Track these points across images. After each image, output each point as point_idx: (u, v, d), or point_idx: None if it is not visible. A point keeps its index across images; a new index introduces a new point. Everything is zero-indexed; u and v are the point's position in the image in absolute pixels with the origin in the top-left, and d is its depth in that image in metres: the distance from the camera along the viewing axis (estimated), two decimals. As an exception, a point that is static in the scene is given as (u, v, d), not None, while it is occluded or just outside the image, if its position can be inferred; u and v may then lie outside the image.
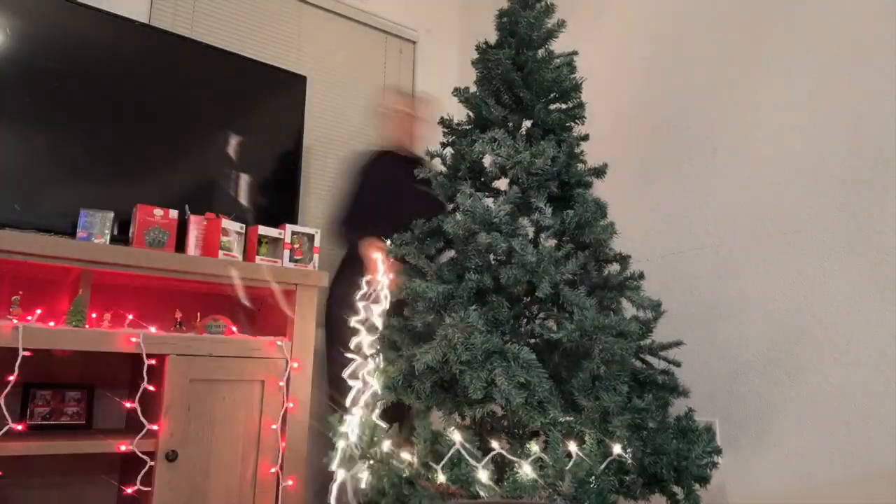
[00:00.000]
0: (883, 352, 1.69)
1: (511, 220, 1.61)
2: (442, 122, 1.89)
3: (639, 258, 1.89)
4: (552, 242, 1.75)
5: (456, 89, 1.86)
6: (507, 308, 1.58)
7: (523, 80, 1.82)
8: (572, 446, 1.40)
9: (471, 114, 1.87)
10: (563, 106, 1.87)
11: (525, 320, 1.69)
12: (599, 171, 1.80)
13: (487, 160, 1.80)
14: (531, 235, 1.70)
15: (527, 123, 1.87)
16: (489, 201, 1.69)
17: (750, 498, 1.86)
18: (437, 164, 1.88)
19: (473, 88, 1.91)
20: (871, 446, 1.67)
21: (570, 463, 1.38)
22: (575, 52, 1.88)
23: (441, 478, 1.40)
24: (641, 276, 1.75)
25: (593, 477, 1.36)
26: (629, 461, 1.43)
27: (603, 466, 1.38)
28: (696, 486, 1.53)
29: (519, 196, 1.66)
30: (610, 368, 1.48)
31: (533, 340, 1.62)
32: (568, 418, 1.46)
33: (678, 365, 1.73)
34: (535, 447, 1.41)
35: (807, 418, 1.81)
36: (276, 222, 2.16)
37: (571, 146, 1.81)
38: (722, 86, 2.18)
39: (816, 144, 1.90)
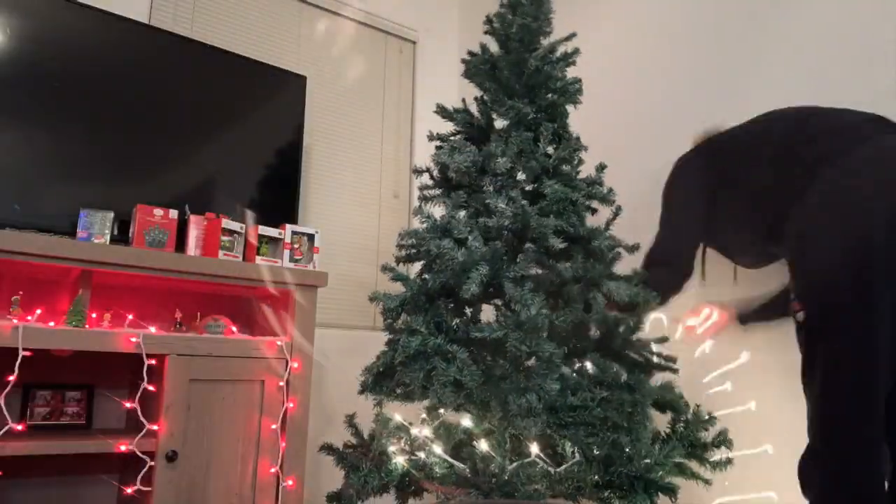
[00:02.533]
0: (883, 352, 1.68)
1: (474, 224, 1.68)
2: (430, 136, 1.95)
3: (638, 258, 1.89)
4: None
5: (438, 106, 1.91)
6: (448, 310, 1.66)
7: (508, 83, 1.85)
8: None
9: (455, 126, 1.93)
10: (552, 98, 1.88)
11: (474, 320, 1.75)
12: (567, 160, 1.80)
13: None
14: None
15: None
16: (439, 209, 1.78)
17: (749, 498, 1.86)
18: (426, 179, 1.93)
19: (476, 92, 1.96)
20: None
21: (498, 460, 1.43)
22: (573, 46, 1.89)
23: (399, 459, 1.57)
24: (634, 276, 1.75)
25: (504, 472, 1.42)
26: (571, 459, 1.44)
27: (514, 465, 1.43)
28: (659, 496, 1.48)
29: (464, 199, 1.77)
30: (534, 366, 1.50)
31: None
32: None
33: (673, 361, 1.73)
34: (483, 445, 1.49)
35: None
36: (276, 222, 2.16)
37: (558, 136, 1.82)
38: (722, 85, 2.18)
39: (816, 144, 1.90)
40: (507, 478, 1.40)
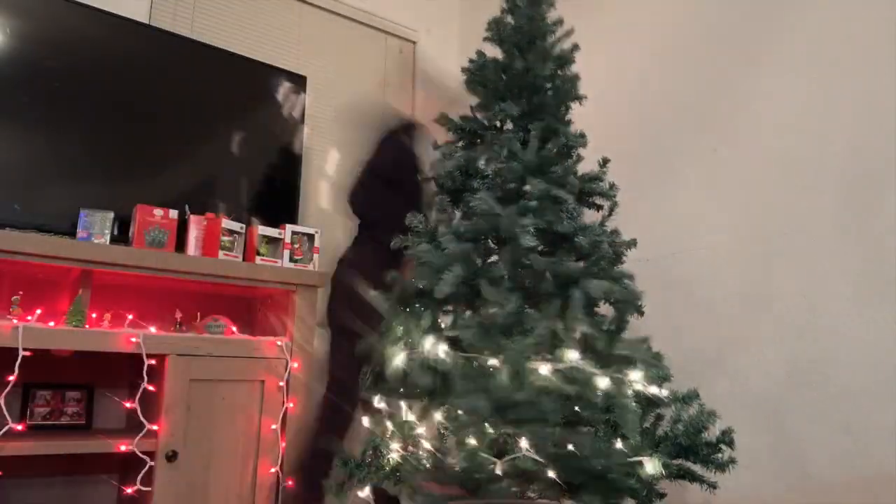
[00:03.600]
0: (883, 353, 1.68)
1: (455, 226, 1.73)
2: (434, 146, 1.97)
3: (638, 258, 1.89)
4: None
5: (442, 115, 1.93)
6: (426, 310, 1.70)
7: (497, 86, 1.86)
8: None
9: (450, 133, 1.95)
10: (547, 97, 1.89)
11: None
12: (551, 159, 1.80)
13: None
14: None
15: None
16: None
17: (749, 499, 1.86)
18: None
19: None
20: (872, 449, 1.67)
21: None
22: (573, 42, 1.90)
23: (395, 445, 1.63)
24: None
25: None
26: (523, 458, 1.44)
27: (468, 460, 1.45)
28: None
29: (449, 202, 1.82)
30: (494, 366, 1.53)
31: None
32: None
33: (660, 359, 1.73)
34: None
35: (806, 420, 1.81)
36: (276, 222, 2.16)
37: (552, 134, 1.83)
38: (722, 86, 2.18)
39: (816, 144, 1.90)
40: (463, 472, 1.42)
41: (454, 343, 1.61)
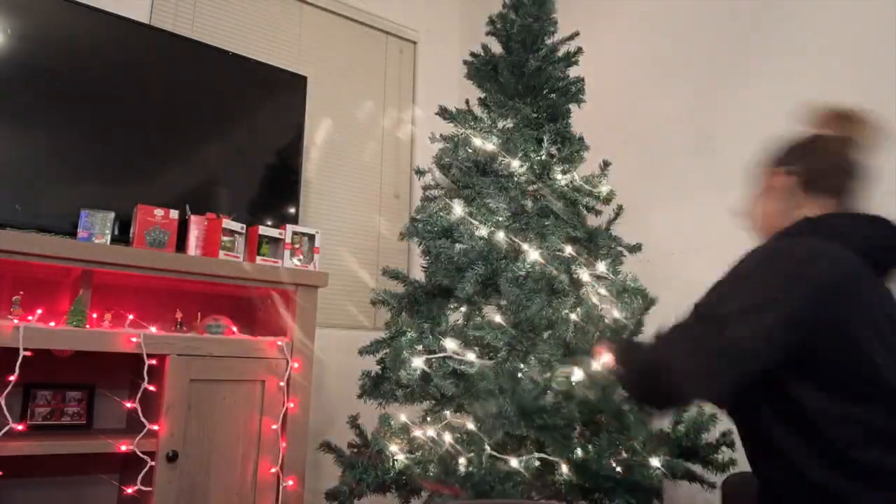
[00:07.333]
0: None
1: (473, 224, 1.74)
2: (432, 138, 1.97)
3: (639, 258, 1.89)
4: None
5: (440, 107, 1.91)
6: (444, 309, 1.71)
7: (508, 83, 1.86)
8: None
9: (456, 128, 1.95)
10: (554, 98, 1.89)
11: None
12: (569, 160, 1.80)
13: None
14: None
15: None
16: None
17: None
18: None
19: (477, 92, 1.97)
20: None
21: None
22: (577, 45, 1.90)
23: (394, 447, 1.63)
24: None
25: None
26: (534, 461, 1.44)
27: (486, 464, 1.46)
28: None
29: (466, 199, 1.80)
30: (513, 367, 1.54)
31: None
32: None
33: None
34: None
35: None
36: (276, 222, 2.16)
37: (561, 136, 1.84)
38: (723, 85, 2.18)
39: (816, 145, 1.90)
40: (477, 477, 1.41)
41: (473, 344, 1.60)
